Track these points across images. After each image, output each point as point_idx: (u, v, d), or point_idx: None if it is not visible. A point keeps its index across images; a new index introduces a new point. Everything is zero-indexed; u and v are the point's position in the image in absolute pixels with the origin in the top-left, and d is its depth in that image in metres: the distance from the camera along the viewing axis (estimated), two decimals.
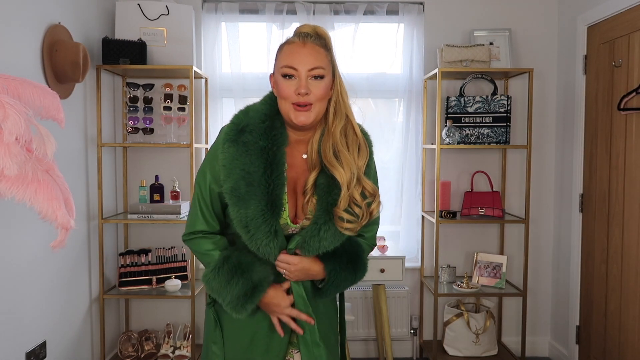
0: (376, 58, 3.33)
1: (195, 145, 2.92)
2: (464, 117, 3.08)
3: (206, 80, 3.24)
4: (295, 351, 1.50)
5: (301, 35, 1.38)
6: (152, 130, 3.11)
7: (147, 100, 3.10)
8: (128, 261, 3.04)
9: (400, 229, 3.36)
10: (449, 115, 3.09)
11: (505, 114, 3.05)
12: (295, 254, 1.42)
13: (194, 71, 2.90)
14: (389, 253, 3.02)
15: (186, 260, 3.17)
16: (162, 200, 3.02)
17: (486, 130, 3.07)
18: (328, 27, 3.16)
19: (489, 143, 3.07)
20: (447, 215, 3.05)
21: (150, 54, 2.97)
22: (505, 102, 3.05)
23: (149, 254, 3.11)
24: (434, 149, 3.08)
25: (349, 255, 1.46)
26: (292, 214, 1.43)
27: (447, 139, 3.01)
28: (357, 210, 1.39)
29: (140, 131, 3.11)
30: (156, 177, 3.06)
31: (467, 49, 3.05)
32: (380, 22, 3.31)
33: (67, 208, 1.62)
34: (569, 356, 3.16)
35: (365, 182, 1.41)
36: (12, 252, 2.17)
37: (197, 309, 3.13)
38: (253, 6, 3.24)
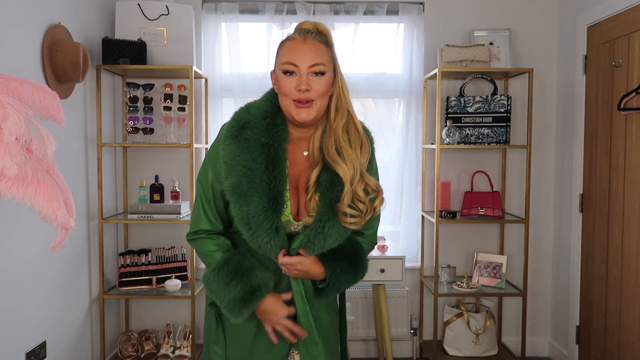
0: (376, 58, 3.33)
1: (195, 145, 2.92)
2: (464, 117, 3.08)
3: (206, 80, 3.24)
4: (296, 352, 1.50)
5: (302, 31, 1.37)
6: (152, 130, 3.11)
7: (147, 100, 3.10)
8: (128, 261, 3.04)
9: (400, 229, 3.36)
10: (449, 115, 3.09)
11: (505, 114, 3.05)
12: (298, 253, 1.41)
13: (194, 71, 2.90)
14: (389, 253, 3.02)
15: (186, 260, 3.17)
16: (162, 200, 3.02)
17: (486, 130, 3.07)
18: (328, 27, 3.15)
19: (489, 143, 3.07)
20: (447, 215, 3.05)
21: (150, 54, 2.97)
22: (505, 102, 3.05)
23: (149, 254, 3.12)
24: (434, 149, 3.08)
25: (350, 257, 1.45)
26: (294, 211, 1.43)
27: (447, 139, 3.01)
28: (360, 205, 1.38)
29: (140, 131, 3.11)
30: (156, 177, 3.06)
31: (467, 49, 3.05)
32: (380, 22, 3.31)
33: (67, 208, 1.62)
34: (569, 356, 3.16)
35: (368, 179, 1.40)
36: (12, 252, 2.17)
37: (197, 309, 3.13)
38: (253, 6, 3.24)
